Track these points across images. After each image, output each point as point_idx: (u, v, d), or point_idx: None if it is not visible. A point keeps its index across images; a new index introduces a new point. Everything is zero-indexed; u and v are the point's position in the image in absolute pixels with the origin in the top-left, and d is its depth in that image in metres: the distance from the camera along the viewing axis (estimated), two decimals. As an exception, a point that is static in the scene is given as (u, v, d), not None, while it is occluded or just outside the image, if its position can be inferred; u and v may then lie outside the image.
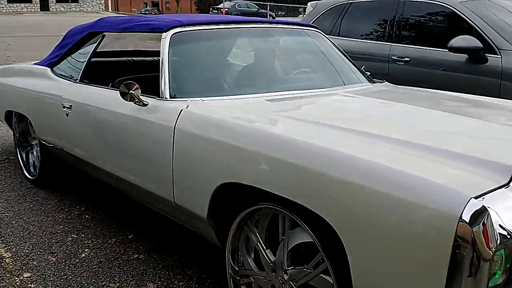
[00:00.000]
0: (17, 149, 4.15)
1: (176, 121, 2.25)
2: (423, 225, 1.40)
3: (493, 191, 1.46)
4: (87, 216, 3.39)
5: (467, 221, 1.32)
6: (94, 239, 3.05)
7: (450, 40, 4.11)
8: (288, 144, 1.79)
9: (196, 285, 2.56)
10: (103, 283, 2.57)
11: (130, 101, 2.44)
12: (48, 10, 45.46)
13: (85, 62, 3.23)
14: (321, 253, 1.74)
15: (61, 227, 3.22)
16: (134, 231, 3.15)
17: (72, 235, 3.10)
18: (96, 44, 3.26)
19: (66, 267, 2.72)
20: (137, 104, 2.47)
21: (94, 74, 3.32)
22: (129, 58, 4.16)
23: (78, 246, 2.96)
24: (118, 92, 2.44)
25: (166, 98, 2.44)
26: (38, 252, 2.89)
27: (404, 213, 1.44)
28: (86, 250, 2.92)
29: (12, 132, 4.37)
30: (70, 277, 2.63)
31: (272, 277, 1.98)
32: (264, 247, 1.99)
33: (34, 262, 2.77)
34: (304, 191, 1.70)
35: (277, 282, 1.96)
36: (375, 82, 3.15)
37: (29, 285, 2.55)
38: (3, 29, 20.64)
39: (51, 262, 2.78)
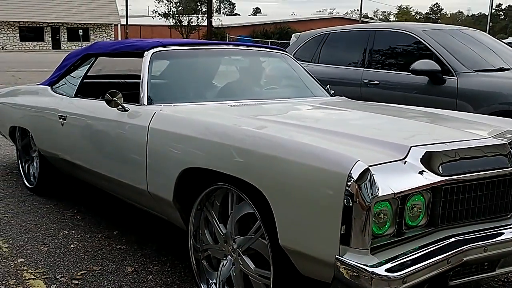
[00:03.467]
0: (19, 161, 4.58)
1: (150, 121, 2.67)
2: (325, 185, 1.78)
3: (388, 163, 1.87)
4: (78, 217, 3.77)
5: (354, 178, 1.70)
6: (83, 234, 3.43)
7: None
8: (232, 131, 2.20)
9: (169, 269, 2.92)
10: (87, 267, 2.94)
11: (114, 107, 2.87)
12: (60, 48, 46.79)
13: (80, 80, 3.69)
14: (259, 221, 2.11)
15: (54, 225, 3.60)
16: (120, 228, 3.53)
17: (64, 231, 3.48)
18: (89, 65, 3.73)
19: (56, 255, 3.09)
20: (120, 110, 2.90)
21: (87, 91, 3.77)
22: (121, 80, 4.63)
23: (68, 239, 3.34)
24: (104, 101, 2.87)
25: (144, 104, 2.87)
26: (32, 244, 3.26)
27: (313, 176, 1.82)
28: (75, 242, 3.29)
29: (15, 147, 4.80)
30: (59, 262, 3.00)
31: (224, 247, 2.35)
32: (218, 222, 2.37)
33: (28, 251, 3.15)
34: (244, 168, 2.09)
35: (228, 250, 2.33)
36: (334, 96, 3.57)
37: (22, 267, 2.92)
38: (14, 65, 21.51)
39: (43, 251, 3.16)
